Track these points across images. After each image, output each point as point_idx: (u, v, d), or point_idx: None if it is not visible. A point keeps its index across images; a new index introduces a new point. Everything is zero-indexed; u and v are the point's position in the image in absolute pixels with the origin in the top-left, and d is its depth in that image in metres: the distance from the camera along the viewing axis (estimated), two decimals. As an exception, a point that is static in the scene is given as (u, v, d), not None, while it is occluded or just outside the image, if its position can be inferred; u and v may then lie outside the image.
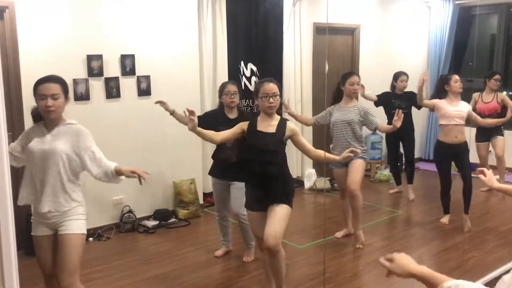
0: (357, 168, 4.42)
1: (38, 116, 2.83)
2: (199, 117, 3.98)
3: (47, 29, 4.46)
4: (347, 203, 4.72)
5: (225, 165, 4.03)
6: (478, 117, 5.14)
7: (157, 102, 4.24)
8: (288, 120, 3.41)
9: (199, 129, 3.14)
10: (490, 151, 6.22)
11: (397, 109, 4.15)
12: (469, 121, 4.92)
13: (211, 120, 3.99)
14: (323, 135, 4.66)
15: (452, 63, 7.89)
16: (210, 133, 3.26)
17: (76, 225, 2.78)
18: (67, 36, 4.58)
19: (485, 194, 6.26)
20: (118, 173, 2.80)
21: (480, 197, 6.05)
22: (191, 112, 3.08)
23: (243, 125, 3.32)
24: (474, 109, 5.62)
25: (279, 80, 5.94)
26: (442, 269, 4.09)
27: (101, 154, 2.85)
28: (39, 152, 2.73)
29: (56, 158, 2.71)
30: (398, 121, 4.03)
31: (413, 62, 7.80)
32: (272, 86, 3.22)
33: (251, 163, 3.25)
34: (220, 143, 3.49)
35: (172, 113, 4.23)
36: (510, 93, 7.09)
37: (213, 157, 4.24)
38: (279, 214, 3.19)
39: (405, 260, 1.58)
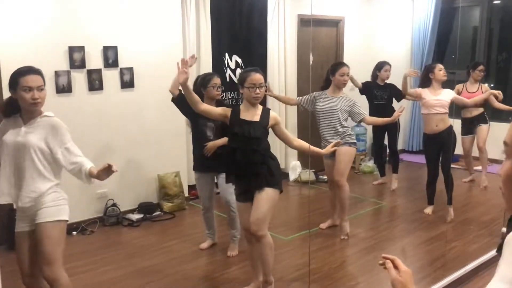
0: (343, 158, 4.42)
1: (11, 110, 2.75)
2: (180, 92, 3.78)
3: (27, 20, 4.37)
4: (335, 194, 4.73)
5: (208, 158, 4.00)
6: (464, 99, 5.23)
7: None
8: (270, 109, 3.41)
9: (188, 86, 3.12)
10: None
11: (401, 106, 4.53)
12: (452, 112, 4.98)
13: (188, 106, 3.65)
14: (308, 126, 4.67)
15: (435, 55, 7.96)
16: (197, 97, 3.24)
17: (50, 212, 2.70)
18: (48, 27, 4.50)
19: (467, 185, 6.35)
20: (91, 175, 2.69)
21: (462, 188, 6.13)
22: (185, 63, 3.04)
23: (227, 111, 3.30)
24: None
25: (263, 72, 5.95)
26: (426, 259, 4.16)
27: (76, 149, 2.74)
28: (13, 145, 2.68)
29: (29, 150, 2.65)
30: (398, 115, 4.37)
31: (397, 54, 7.84)
32: (259, 77, 3.22)
33: (235, 152, 3.24)
34: (201, 112, 3.30)
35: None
36: (492, 85, 7.18)
37: (194, 152, 4.21)
38: (263, 198, 3.20)
39: (409, 282, 1.47)
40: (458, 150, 6.11)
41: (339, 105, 4.44)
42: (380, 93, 5.91)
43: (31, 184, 2.69)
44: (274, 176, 3.29)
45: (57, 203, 2.74)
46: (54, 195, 2.74)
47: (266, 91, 4.64)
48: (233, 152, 3.25)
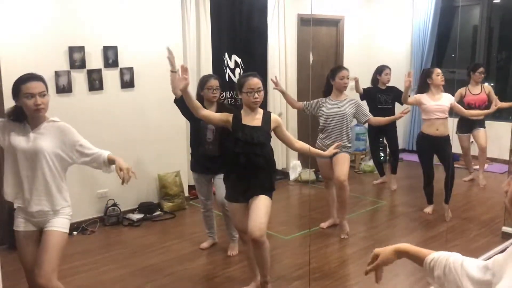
0: (344, 161, 4.46)
1: (18, 117, 2.74)
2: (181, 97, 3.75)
3: (27, 20, 4.37)
4: (331, 193, 4.76)
5: (207, 159, 4.00)
6: (462, 109, 5.18)
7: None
8: (271, 112, 3.42)
9: (189, 92, 3.13)
10: (472, 142, 6.30)
11: (407, 108, 4.72)
12: (451, 112, 4.97)
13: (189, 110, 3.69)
14: (307, 127, 4.67)
15: (435, 54, 7.96)
16: (197, 103, 3.26)
17: (63, 223, 2.79)
18: (48, 27, 4.50)
19: (467, 184, 6.35)
20: (110, 162, 2.78)
21: (462, 187, 6.13)
22: (185, 70, 3.05)
23: (228, 116, 3.30)
24: (461, 103, 5.67)
25: (263, 72, 5.97)
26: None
27: (89, 143, 2.84)
28: (24, 151, 2.69)
29: (41, 156, 2.68)
30: (401, 115, 4.56)
31: (397, 53, 7.86)
32: (256, 81, 3.22)
33: (238, 156, 3.23)
34: (201, 118, 3.32)
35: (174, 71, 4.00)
36: (492, 84, 7.18)
37: (192, 153, 4.20)
38: (263, 205, 3.20)
39: (386, 249, 1.60)
40: (458, 149, 6.12)
41: (345, 109, 4.47)
42: (384, 97, 5.88)
43: (44, 190, 2.72)
44: (272, 185, 3.33)
45: (69, 217, 2.85)
46: (68, 209, 2.84)
47: (274, 86, 4.69)
48: (236, 157, 3.25)
